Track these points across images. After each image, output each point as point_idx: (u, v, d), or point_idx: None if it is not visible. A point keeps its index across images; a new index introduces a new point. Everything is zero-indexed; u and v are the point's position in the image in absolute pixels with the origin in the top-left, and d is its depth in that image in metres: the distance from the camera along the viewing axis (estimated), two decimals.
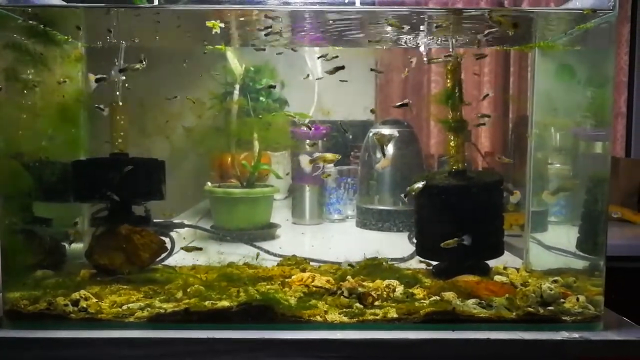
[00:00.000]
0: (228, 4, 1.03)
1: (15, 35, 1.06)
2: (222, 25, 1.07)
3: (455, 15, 1.08)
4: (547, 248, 1.26)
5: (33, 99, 1.11)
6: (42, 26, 1.10)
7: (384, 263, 1.18)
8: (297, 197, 1.96)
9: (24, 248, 1.07)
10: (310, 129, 1.56)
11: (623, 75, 2.60)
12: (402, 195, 1.13)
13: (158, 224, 1.30)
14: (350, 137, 2.01)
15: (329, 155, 1.18)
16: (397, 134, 1.71)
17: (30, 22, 1.07)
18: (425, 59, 1.24)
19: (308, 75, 1.28)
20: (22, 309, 0.96)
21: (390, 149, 1.90)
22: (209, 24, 1.06)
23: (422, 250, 1.23)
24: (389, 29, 1.15)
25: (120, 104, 1.17)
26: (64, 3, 1.04)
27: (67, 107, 1.16)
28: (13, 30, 1.05)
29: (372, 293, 1.02)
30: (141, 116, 1.27)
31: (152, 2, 1.05)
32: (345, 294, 1.02)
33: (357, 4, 1.05)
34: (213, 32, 1.07)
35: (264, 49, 1.31)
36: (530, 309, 0.95)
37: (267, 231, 1.71)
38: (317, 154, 1.19)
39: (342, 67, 1.14)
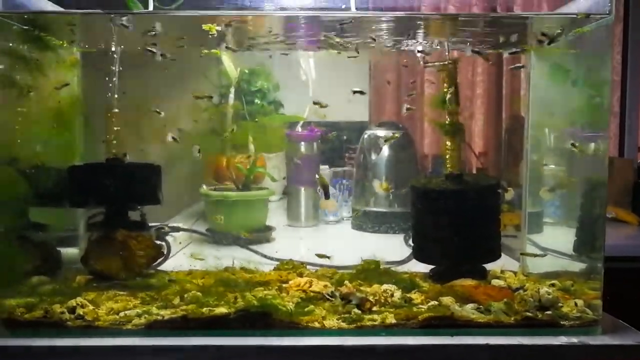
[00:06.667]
0: (224, 9, 1.03)
1: (10, 41, 1.04)
2: (219, 28, 1.07)
3: (449, 20, 1.09)
4: (543, 250, 1.27)
5: (28, 104, 1.10)
6: (36, 31, 1.09)
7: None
8: (292, 199, 1.95)
9: (20, 255, 1.06)
10: None
11: (616, 74, 2.60)
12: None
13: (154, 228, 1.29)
14: (345, 138, 2.01)
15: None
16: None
17: (25, 27, 1.06)
18: (422, 62, 1.24)
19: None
20: (18, 317, 0.95)
21: (385, 150, 1.90)
22: (205, 27, 1.05)
23: (419, 253, 1.23)
24: (383, 32, 1.15)
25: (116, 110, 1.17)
26: (60, 9, 1.03)
27: (62, 112, 1.15)
28: (8, 36, 1.04)
29: (370, 298, 1.02)
30: (137, 120, 1.26)
31: (147, 8, 1.04)
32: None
33: (353, 9, 1.05)
34: (209, 35, 1.07)
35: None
36: (528, 313, 0.96)
37: (262, 234, 1.70)
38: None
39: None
